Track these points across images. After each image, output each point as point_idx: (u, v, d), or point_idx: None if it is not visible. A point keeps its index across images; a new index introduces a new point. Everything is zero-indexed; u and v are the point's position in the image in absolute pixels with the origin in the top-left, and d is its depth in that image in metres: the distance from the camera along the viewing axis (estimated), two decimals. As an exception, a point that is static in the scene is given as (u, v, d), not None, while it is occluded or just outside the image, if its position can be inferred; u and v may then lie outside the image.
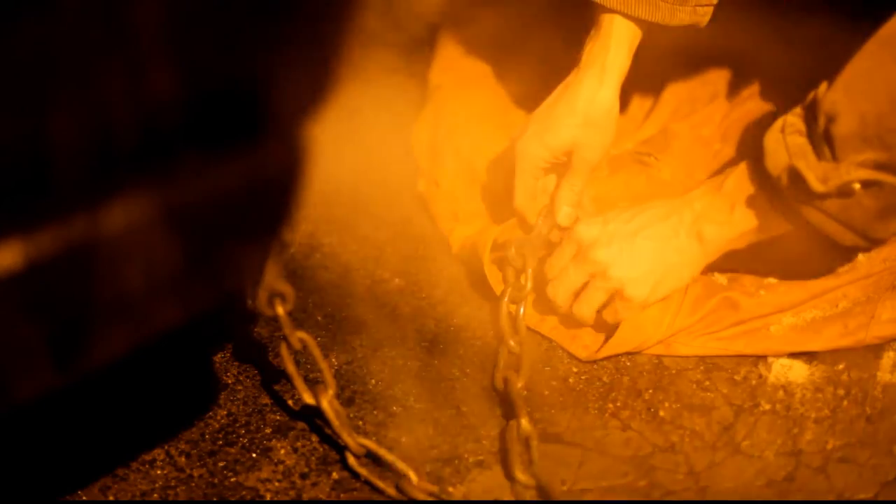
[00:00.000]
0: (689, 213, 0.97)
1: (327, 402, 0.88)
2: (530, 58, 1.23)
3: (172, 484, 0.90)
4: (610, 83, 1.02)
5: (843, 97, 0.86)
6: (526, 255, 1.04)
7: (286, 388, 0.98)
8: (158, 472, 0.91)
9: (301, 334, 0.87)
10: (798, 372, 1.01)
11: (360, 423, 0.96)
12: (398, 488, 0.89)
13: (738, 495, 0.90)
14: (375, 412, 0.97)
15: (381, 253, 1.13)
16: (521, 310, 1.02)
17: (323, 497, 0.90)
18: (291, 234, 1.13)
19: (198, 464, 0.92)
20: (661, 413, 0.98)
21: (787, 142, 0.89)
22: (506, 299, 1.02)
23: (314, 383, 0.89)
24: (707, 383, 1.00)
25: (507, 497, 0.90)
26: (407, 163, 1.21)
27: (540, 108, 1.05)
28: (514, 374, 0.97)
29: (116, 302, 0.55)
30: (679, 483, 0.91)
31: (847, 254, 1.02)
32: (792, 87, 0.95)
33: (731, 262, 1.03)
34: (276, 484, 0.90)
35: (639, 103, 1.22)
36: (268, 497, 0.89)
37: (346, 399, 0.97)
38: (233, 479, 0.90)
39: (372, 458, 0.90)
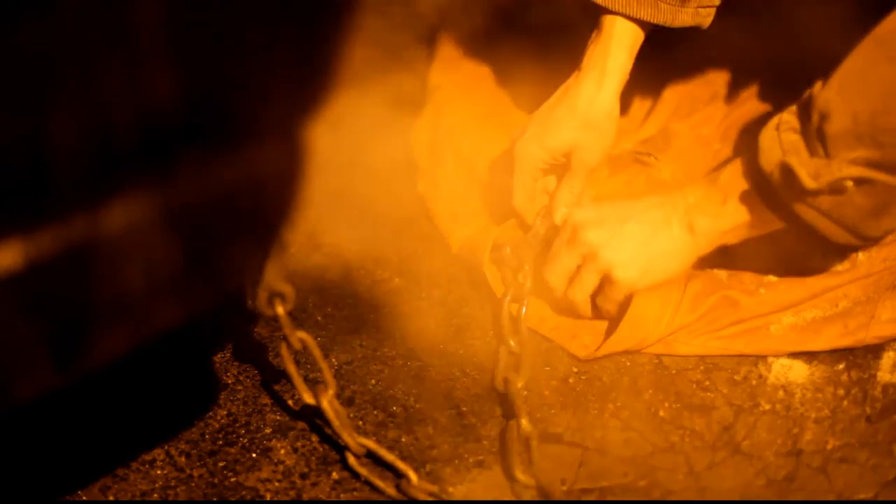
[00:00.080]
0: (682, 203, 0.97)
1: (327, 402, 0.88)
2: (530, 58, 1.23)
3: (172, 484, 0.90)
4: (610, 86, 1.02)
5: (836, 95, 0.86)
6: (522, 256, 1.04)
7: (286, 388, 0.98)
8: (158, 472, 0.91)
9: (301, 334, 0.87)
10: (798, 372, 1.01)
11: (360, 423, 0.96)
12: (398, 488, 0.89)
13: (738, 495, 0.90)
14: (375, 412, 0.97)
15: (381, 253, 1.13)
16: (523, 310, 1.02)
17: (323, 497, 0.90)
18: (291, 234, 1.12)
19: (198, 464, 0.92)
20: (661, 413, 0.98)
21: (781, 138, 0.89)
22: (508, 299, 1.02)
23: (314, 383, 0.89)
24: (707, 383, 1.00)
25: (507, 497, 0.90)
26: (407, 163, 1.21)
27: (540, 110, 1.06)
28: (514, 374, 0.96)
29: (116, 302, 0.56)
30: (679, 483, 0.91)
31: (843, 252, 1.02)
32: (791, 88, 0.95)
33: (731, 260, 1.03)
34: (276, 484, 0.90)
35: (639, 103, 1.22)
36: (268, 497, 0.89)
37: (346, 399, 0.97)
38: (233, 479, 0.91)
39: (372, 458, 0.91)
